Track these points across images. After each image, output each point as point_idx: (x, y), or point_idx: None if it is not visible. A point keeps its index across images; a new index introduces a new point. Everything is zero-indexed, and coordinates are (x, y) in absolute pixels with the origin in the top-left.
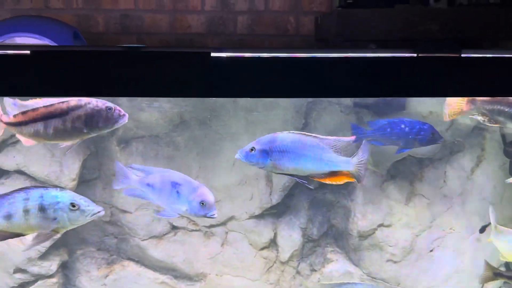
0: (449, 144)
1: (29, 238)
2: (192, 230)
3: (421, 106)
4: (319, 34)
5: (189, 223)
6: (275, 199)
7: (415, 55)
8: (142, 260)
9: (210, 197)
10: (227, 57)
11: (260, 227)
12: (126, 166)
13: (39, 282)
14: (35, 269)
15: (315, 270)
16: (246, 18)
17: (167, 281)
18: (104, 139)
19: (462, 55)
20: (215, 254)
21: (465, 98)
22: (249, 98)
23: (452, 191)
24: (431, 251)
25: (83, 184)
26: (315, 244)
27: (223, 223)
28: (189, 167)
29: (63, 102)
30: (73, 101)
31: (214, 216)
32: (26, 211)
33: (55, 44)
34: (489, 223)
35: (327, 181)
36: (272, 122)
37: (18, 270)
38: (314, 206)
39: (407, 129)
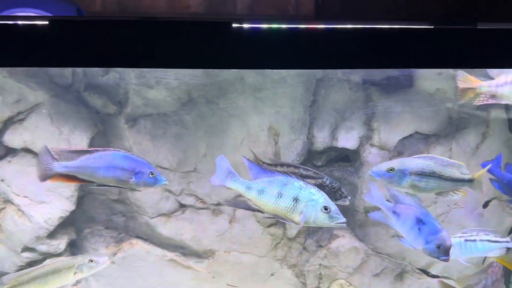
0: (455, 121)
1: (40, 218)
2: (200, 208)
3: (428, 83)
4: (319, 14)
5: (197, 201)
6: None
7: (432, 26)
8: (151, 238)
9: (448, 243)
10: (248, 28)
11: None
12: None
13: (47, 261)
14: (43, 247)
15: (322, 246)
16: None
17: (175, 258)
18: (112, 117)
19: (479, 27)
20: (223, 232)
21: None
22: (257, 76)
23: None
24: None
25: None
26: None
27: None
28: (196, 146)
29: None
30: None
31: (446, 260)
32: (280, 195)
33: None
34: (493, 198)
35: None
36: (280, 99)
37: (26, 249)
38: None
39: None
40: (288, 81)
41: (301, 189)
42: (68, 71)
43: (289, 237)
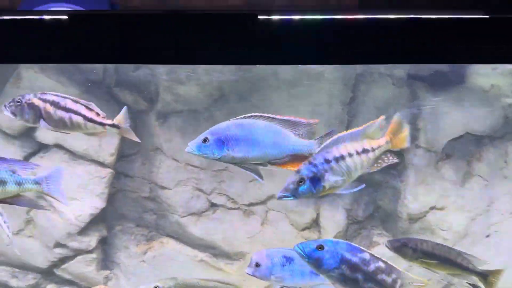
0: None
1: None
2: (231, 208)
3: (482, 79)
4: (363, 5)
5: (228, 201)
6: None
7: (487, 16)
8: (181, 237)
9: None
10: (277, 20)
11: (302, 207)
12: None
13: (79, 257)
14: (74, 244)
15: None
16: None
17: (206, 259)
18: (143, 113)
19: None
20: (254, 233)
21: None
22: (292, 71)
23: None
24: (487, 236)
25: (122, 159)
26: (360, 226)
27: (263, 202)
28: None
29: None
30: None
31: None
32: None
33: None
34: None
35: (289, 167)
36: (316, 95)
37: (58, 245)
38: None
39: None
40: (326, 76)
41: None
42: (99, 66)
43: None
